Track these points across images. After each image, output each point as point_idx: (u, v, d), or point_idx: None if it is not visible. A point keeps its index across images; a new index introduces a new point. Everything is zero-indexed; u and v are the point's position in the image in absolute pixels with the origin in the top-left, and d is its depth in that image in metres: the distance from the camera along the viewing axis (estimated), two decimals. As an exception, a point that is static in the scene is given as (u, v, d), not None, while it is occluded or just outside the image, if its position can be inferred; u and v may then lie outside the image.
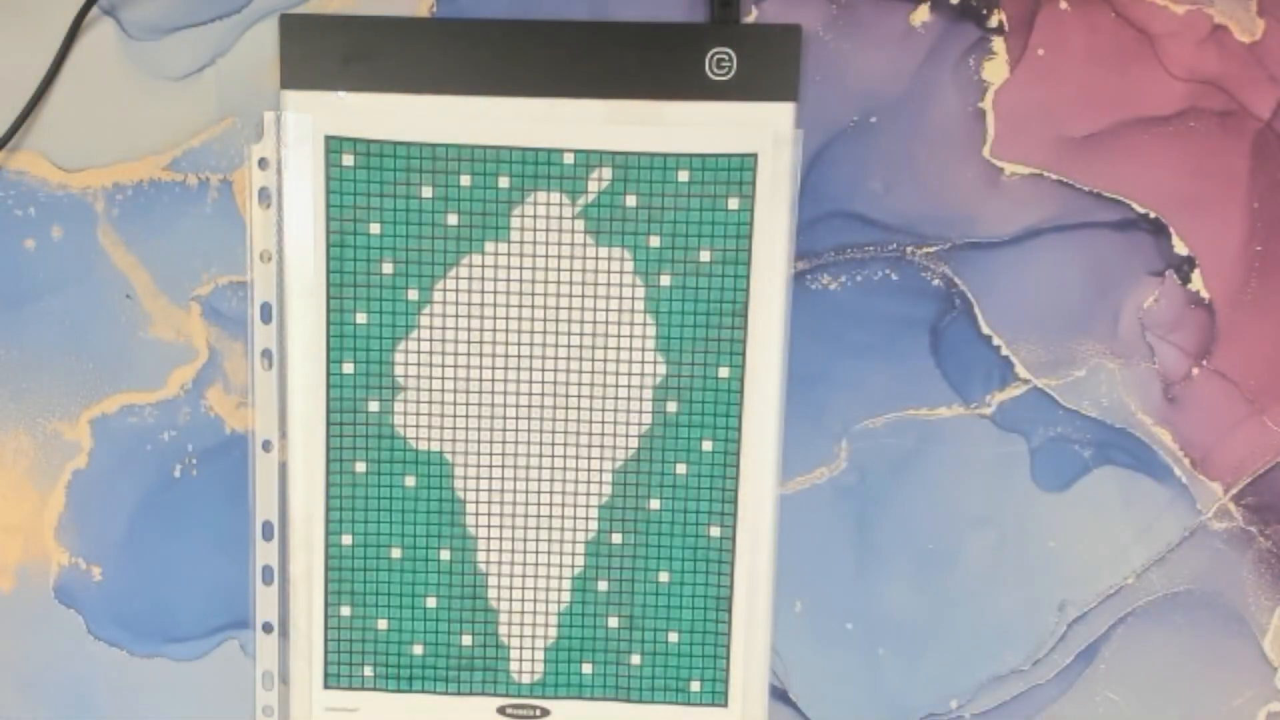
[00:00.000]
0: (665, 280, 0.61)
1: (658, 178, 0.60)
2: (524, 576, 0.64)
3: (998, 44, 0.60)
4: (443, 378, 0.62)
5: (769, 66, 0.59)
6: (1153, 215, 0.61)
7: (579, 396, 0.62)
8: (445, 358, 0.62)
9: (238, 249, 0.62)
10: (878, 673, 0.65)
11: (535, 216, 0.61)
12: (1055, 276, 0.61)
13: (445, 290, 0.61)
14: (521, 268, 0.61)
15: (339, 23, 0.60)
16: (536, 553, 0.64)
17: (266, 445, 0.63)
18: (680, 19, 0.60)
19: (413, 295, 0.61)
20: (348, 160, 0.60)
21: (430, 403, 0.62)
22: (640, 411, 0.62)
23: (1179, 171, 0.60)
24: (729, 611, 0.64)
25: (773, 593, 0.64)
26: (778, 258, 0.61)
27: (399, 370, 0.62)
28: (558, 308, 0.61)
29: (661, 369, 0.62)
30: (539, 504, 0.63)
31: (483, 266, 0.61)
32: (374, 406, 0.62)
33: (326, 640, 0.64)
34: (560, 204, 0.61)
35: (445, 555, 0.64)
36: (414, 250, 0.61)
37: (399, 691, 0.65)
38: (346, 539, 0.64)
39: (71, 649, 0.66)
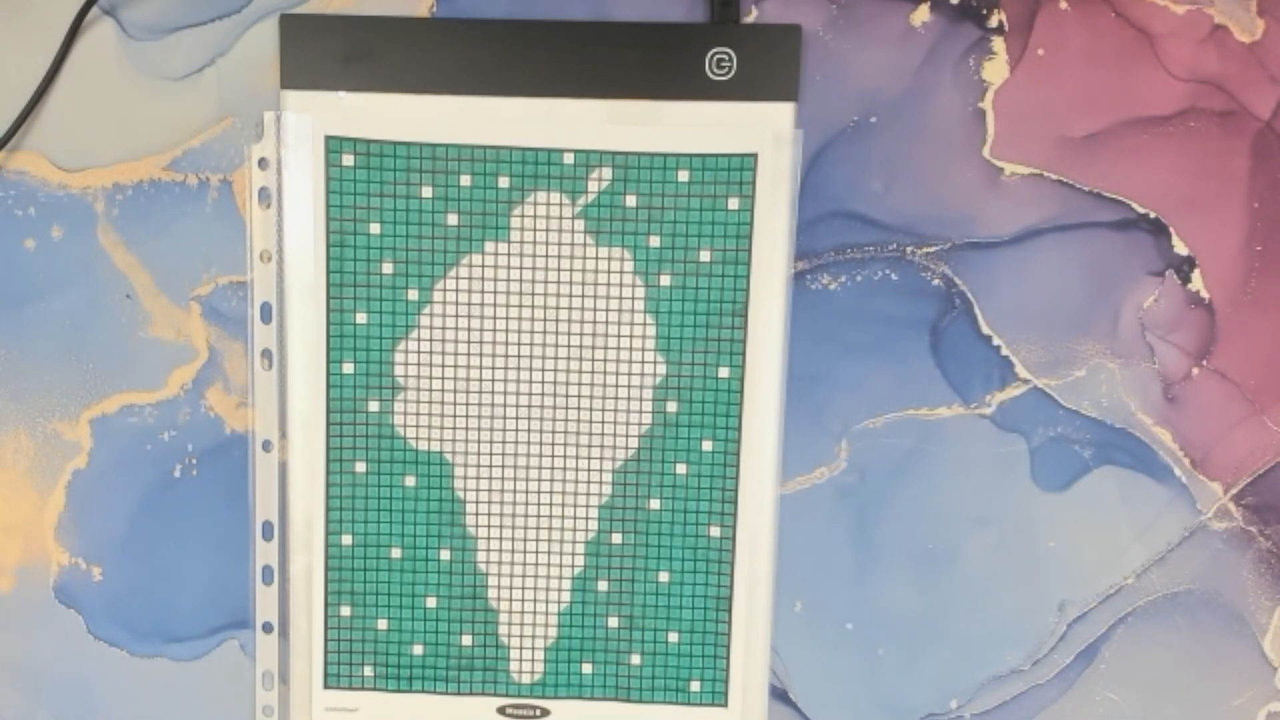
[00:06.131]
0: (665, 280, 0.61)
1: (658, 178, 0.60)
2: (524, 576, 0.64)
3: (998, 44, 0.60)
4: (443, 378, 0.62)
5: (769, 66, 0.59)
6: (1153, 215, 0.61)
7: (579, 396, 0.62)
8: (445, 358, 0.62)
9: (238, 249, 0.62)
10: (878, 673, 0.65)
11: (535, 216, 0.61)
12: (1055, 276, 0.61)
13: (445, 290, 0.61)
14: (521, 268, 0.61)
15: (339, 23, 0.60)
16: (536, 553, 0.64)
17: (266, 445, 0.63)
18: (680, 19, 0.60)
19: (413, 295, 0.61)
20: (348, 160, 0.60)
21: (430, 403, 0.62)
22: (640, 411, 0.62)
23: (1179, 171, 0.60)
24: (729, 611, 0.64)
25: (773, 593, 0.64)
26: (778, 258, 0.61)
27: (399, 370, 0.62)
28: (558, 308, 0.61)
29: (661, 369, 0.62)
30: (539, 504, 0.63)
31: (483, 266, 0.61)
32: (374, 406, 0.62)
33: (326, 640, 0.64)
34: (560, 204, 0.61)
35: (445, 555, 0.64)
36: (414, 250, 0.61)
37: (399, 691, 0.65)
38: (346, 539, 0.64)
39: (71, 649, 0.66)
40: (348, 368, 0.62)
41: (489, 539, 0.64)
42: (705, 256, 0.61)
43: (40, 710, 0.67)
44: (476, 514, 0.64)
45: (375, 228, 0.61)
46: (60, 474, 0.64)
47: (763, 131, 0.60)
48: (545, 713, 0.65)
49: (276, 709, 0.65)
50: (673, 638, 0.64)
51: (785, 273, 0.61)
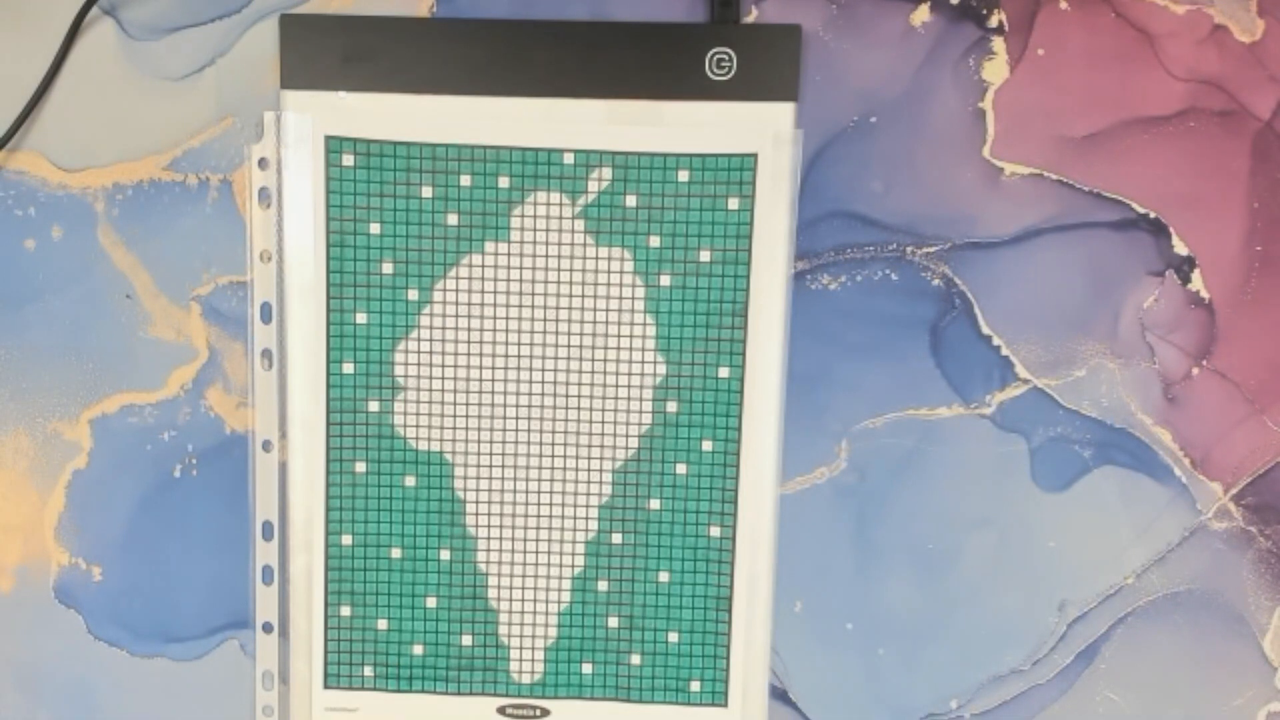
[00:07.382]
0: (665, 280, 0.61)
1: (658, 178, 0.60)
2: (524, 576, 0.64)
3: (998, 44, 0.60)
4: (443, 378, 0.62)
5: (769, 66, 0.59)
6: (1153, 215, 0.61)
7: (579, 396, 0.62)
8: (445, 358, 0.62)
9: (238, 249, 0.62)
10: (878, 673, 0.65)
11: (535, 216, 0.61)
12: (1055, 276, 0.61)
13: (445, 290, 0.61)
14: (521, 268, 0.61)
15: (339, 23, 0.60)
16: (536, 553, 0.64)
17: (266, 445, 0.63)
18: (680, 19, 0.60)
19: (413, 295, 0.61)
20: (348, 160, 0.60)
21: (430, 403, 0.62)
22: (640, 411, 0.62)
23: (1179, 171, 0.61)
24: (729, 611, 0.64)
25: (773, 593, 0.64)
26: (778, 258, 0.61)
27: (399, 370, 0.62)
28: (558, 308, 0.61)
29: (661, 369, 0.62)
30: (539, 504, 0.63)
31: (483, 266, 0.61)
32: (374, 406, 0.62)
33: (326, 640, 0.64)
34: (560, 204, 0.61)
35: (445, 555, 0.64)
36: (414, 250, 0.61)
37: (399, 691, 0.65)
38: (346, 539, 0.64)
39: (71, 649, 0.66)
40: (348, 368, 0.62)
41: (489, 539, 0.64)
42: (705, 256, 0.61)
43: (40, 710, 0.67)
44: (476, 514, 0.64)
45: (375, 228, 0.61)
46: (60, 474, 0.64)
47: (763, 131, 0.60)
48: (545, 713, 0.65)
49: (276, 709, 0.65)
50: (673, 638, 0.64)
51: (785, 273, 0.61)
